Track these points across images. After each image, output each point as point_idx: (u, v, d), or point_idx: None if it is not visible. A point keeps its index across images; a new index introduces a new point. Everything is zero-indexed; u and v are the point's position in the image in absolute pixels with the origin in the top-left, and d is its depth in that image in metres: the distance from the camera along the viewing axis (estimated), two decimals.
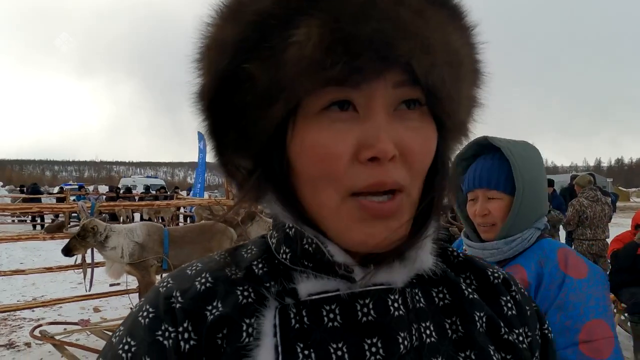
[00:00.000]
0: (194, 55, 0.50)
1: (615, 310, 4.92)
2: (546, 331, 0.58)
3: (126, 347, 0.47)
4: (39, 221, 18.07)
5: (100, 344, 4.54)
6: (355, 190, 0.45)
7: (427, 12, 0.44)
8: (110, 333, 4.38)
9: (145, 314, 0.49)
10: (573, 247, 6.93)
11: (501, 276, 0.58)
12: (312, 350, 0.46)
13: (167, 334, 0.47)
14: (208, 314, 0.48)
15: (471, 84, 0.50)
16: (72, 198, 15.99)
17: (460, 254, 0.59)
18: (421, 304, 0.52)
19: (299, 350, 0.46)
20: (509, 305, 0.56)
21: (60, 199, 17.60)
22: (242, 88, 0.45)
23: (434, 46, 0.43)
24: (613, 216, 7.13)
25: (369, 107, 0.44)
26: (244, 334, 0.47)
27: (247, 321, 0.47)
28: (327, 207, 0.47)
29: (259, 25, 0.43)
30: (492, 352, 0.51)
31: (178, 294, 0.49)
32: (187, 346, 0.47)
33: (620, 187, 40.87)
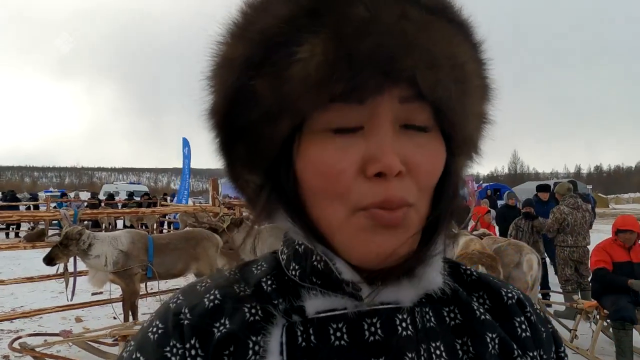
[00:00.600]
0: (206, 72, 0.50)
1: (598, 317, 5.00)
2: (562, 354, 0.58)
3: None
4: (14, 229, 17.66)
5: (82, 355, 4.44)
6: (362, 207, 0.45)
7: (433, 26, 0.44)
8: (93, 343, 4.33)
9: (154, 329, 0.50)
10: (556, 254, 7.03)
11: (515, 296, 0.57)
12: None
13: (175, 350, 0.48)
14: (215, 331, 0.48)
15: (479, 100, 0.50)
16: (52, 205, 15.69)
17: (474, 273, 0.59)
18: (432, 324, 0.51)
19: None
20: (523, 326, 0.55)
21: (35, 207, 17.24)
22: (249, 104, 0.46)
23: (439, 61, 0.43)
24: (594, 223, 7.25)
25: (374, 122, 0.44)
26: (250, 352, 0.47)
27: (254, 339, 0.47)
28: (334, 221, 0.46)
29: (264, 43, 0.44)
30: None
31: (187, 310, 0.50)
32: None
33: (599, 194, 41.62)
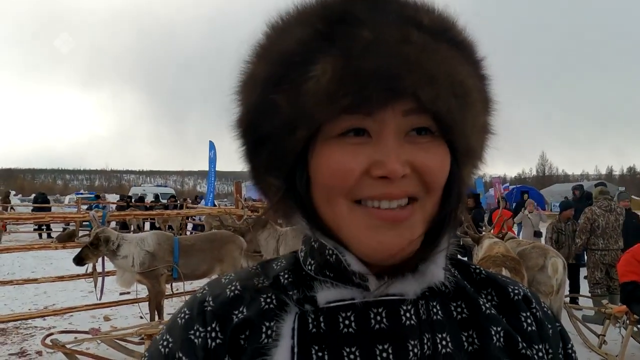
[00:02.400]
0: (235, 88, 0.56)
1: (628, 322, 4.85)
2: (570, 351, 0.61)
3: (165, 342, 0.56)
4: (45, 230, 18.17)
5: (110, 352, 4.57)
6: (360, 197, 0.49)
7: (432, 48, 0.48)
8: (121, 342, 4.44)
9: (182, 315, 0.57)
10: (586, 257, 6.87)
11: (522, 293, 0.61)
12: (326, 352, 0.51)
13: (197, 333, 0.55)
14: (234, 317, 0.55)
15: (480, 112, 0.54)
16: (84, 207, 16.15)
17: (483, 272, 0.63)
18: (439, 316, 0.55)
19: (313, 352, 0.51)
20: (529, 321, 0.58)
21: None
22: (271, 116, 0.51)
23: (438, 78, 0.48)
24: None
25: (381, 132, 0.49)
26: (263, 335, 0.53)
27: (267, 324, 0.53)
28: (339, 216, 0.51)
29: (283, 62, 0.50)
30: None
31: (210, 299, 0.57)
32: (214, 344, 0.54)
33: (633, 196, 40.32)
